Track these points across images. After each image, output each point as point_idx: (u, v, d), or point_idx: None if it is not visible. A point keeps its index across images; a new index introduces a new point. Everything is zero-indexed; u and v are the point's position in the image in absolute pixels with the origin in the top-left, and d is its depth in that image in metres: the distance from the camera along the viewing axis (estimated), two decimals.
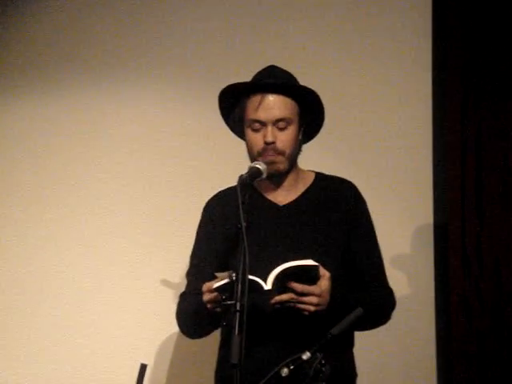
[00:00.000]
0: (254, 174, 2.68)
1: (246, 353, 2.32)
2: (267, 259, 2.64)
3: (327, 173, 2.95)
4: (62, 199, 3.83)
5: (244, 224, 2.47)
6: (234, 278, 2.43)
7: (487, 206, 3.68)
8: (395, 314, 2.87)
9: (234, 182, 2.65)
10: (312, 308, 2.61)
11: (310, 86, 2.80)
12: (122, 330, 3.72)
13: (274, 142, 2.74)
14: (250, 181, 2.65)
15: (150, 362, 3.44)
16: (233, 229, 2.65)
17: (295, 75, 2.87)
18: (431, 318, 3.68)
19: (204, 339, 2.87)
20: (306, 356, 2.42)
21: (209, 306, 2.63)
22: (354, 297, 2.74)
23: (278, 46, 3.82)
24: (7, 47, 3.93)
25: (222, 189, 2.95)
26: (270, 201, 2.86)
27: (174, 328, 2.93)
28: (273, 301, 2.58)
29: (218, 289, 2.56)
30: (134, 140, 3.84)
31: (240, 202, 2.52)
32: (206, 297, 2.63)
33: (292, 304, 2.60)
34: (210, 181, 3.44)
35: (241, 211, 2.50)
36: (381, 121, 3.77)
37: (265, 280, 2.54)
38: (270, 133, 2.74)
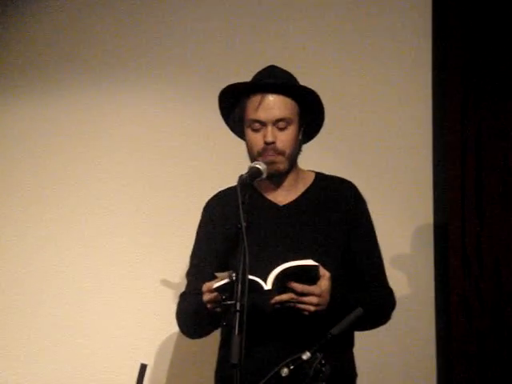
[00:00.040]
0: (254, 173, 2.68)
1: (246, 353, 2.32)
2: (267, 259, 2.64)
3: (327, 173, 2.94)
4: (62, 199, 3.83)
5: (244, 224, 2.47)
6: (234, 277, 2.43)
7: (487, 205, 3.68)
8: (395, 313, 2.87)
9: (233, 182, 2.65)
10: (312, 308, 2.60)
11: (310, 86, 2.81)
12: (122, 330, 3.72)
13: (274, 142, 2.74)
14: (249, 181, 2.65)
15: (149, 362, 3.44)
16: (233, 229, 2.65)
17: (295, 75, 2.87)
18: (431, 318, 3.68)
19: (204, 339, 2.87)
20: (306, 356, 2.41)
21: (209, 306, 2.63)
22: (354, 297, 2.74)
23: (278, 45, 3.82)
24: (7, 47, 3.94)
25: (222, 189, 2.94)
26: (269, 201, 2.86)
27: (174, 328, 2.93)
28: (273, 301, 2.58)
29: (217, 289, 2.56)
30: (133, 140, 3.84)
31: (240, 201, 2.52)
32: (206, 297, 2.63)
33: (292, 304, 2.60)
34: (210, 181, 3.43)
35: (241, 211, 2.50)
36: (381, 121, 3.77)
37: (265, 280, 2.54)
38: (270, 133, 2.74)
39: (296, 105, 2.78)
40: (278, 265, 2.55)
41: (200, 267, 2.87)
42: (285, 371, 2.41)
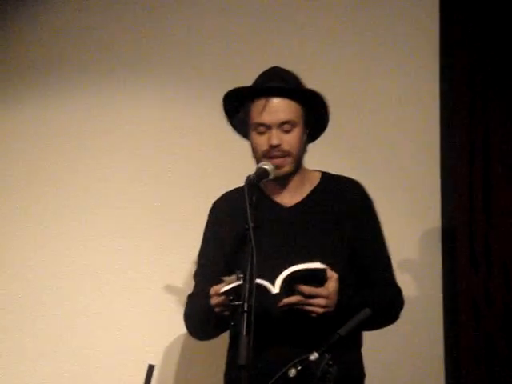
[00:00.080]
0: (261, 174, 2.69)
1: (255, 355, 2.33)
2: (274, 262, 2.62)
3: (333, 173, 2.94)
4: (62, 199, 3.82)
5: (252, 224, 2.47)
6: (241, 276, 2.44)
7: (495, 206, 3.68)
8: (403, 314, 2.86)
9: (240, 183, 2.66)
10: (320, 310, 2.60)
11: (316, 86, 2.81)
12: (129, 331, 3.72)
13: (279, 145, 2.74)
14: (257, 181, 2.65)
15: (157, 363, 3.44)
16: (240, 230, 2.64)
17: (300, 75, 2.86)
18: (439, 319, 3.66)
19: (212, 340, 2.88)
20: (313, 357, 2.42)
21: (216, 309, 2.63)
22: (362, 297, 2.73)
23: (280, 45, 3.80)
24: (7, 48, 3.93)
25: (229, 190, 2.94)
26: (276, 202, 2.85)
27: (182, 328, 2.93)
28: (281, 303, 2.57)
29: (225, 293, 2.56)
30: (134, 140, 3.83)
31: (247, 202, 2.52)
32: (214, 300, 2.63)
33: (300, 306, 2.60)
34: (215, 181, 3.44)
35: (248, 212, 2.50)
36: (388, 122, 3.76)
37: (272, 283, 2.54)
38: (275, 136, 2.74)
39: (300, 107, 2.78)
40: (286, 267, 2.55)
41: (207, 268, 2.87)
42: (292, 372, 2.41)
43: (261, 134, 2.77)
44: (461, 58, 3.74)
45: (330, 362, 2.40)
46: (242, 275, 2.46)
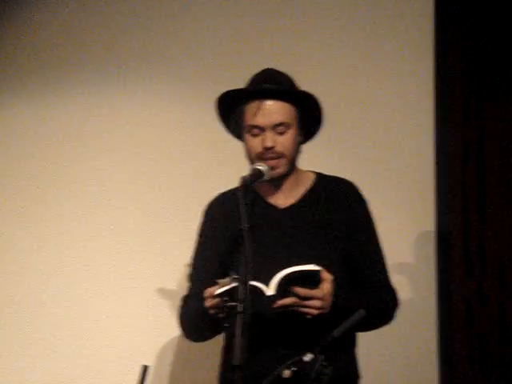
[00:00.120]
0: (256, 175, 2.69)
1: (250, 356, 2.33)
2: (269, 263, 2.62)
3: (327, 174, 2.94)
4: (62, 199, 3.83)
5: (246, 225, 2.47)
6: (235, 278, 2.44)
7: (489, 208, 3.68)
8: (397, 315, 2.86)
9: (235, 183, 2.66)
10: (315, 311, 2.60)
11: (310, 87, 2.80)
12: (123, 331, 3.72)
13: (273, 147, 2.74)
14: (251, 182, 2.64)
15: (151, 364, 3.45)
16: (234, 230, 2.65)
17: (295, 76, 2.85)
18: (433, 320, 3.66)
19: (206, 341, 2.87)
20: (307, 357, 2.41)
21: (211, 311, 2.63)
22: (357, 298, 2.73)
23: (278, 45, 3.81)
24: (7, 48, 3.94)
25: (223, 191, 2.94)
26: (270, 204, 2.85)
27: (177, 329, 2.93)
28: (276, 305, 2.57)
29: (220, 295, 2.56)
30: (134, 140, 3.84)
31: (242, 203, 2.52)
32: (208, 303, 2.63)
33: (295, 308, 2.60)
34: (211, 182, 3.43)
35: (243, 212, 2.50)
36: (382, 124, 3.75)
37: (267, 285, 2.54)
38: (269, 138, 2.74)
39: (294, 108, 2.78)
40: (280, 269, 2.55)
41: (202, 270, 2.86)
42: (287, 373, 2.41)
43: (255, 136, 2.76)
44: (455, 58, 3.74)
45: (325, 363, 2.40)
46: (236, 276, 2.46)
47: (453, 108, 3.72)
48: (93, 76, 3.89)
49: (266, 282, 2.54)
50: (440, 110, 3.74)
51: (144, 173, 3.81)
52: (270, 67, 2.85)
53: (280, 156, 2.76)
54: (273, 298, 2.54)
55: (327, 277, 2.62)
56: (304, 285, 2.59)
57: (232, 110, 2.81)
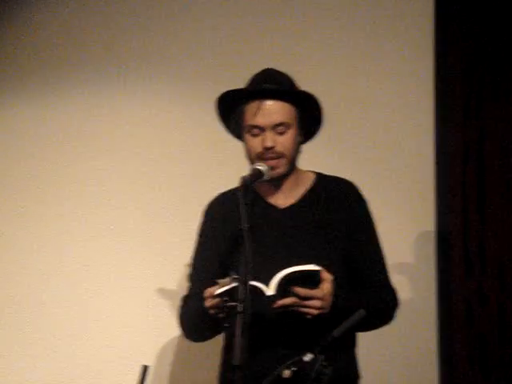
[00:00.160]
0: (256, 175, 2.69)
1: (250, 357, 2.33)
2: (269, 263, 2.62)
3: (327, 173, 2.94)
4: (63, 199, 3.83)
5: (246, 225, 2.47)
6: (235, 277, 2.44)
7: (489, 208, 3.67)
8: (397, 315, 2.86)
9: (235, 184, 2.66)
10: (315, 311, 2.60)
11: (310, 87, 2.80)
12: (123, 331, 3.72)
13: (273, 147, 2.74)
14: (251, 182, 2.64)
15: (151, 364, 3.45)
16: (234, 230, 2.65)
17: (295, 76, 2.85)
18: (433, 320, 3.66)
19: (207, 341, 2.87)
20: (307, 357, 2.41)
21: (211, 311, 2.63)
22: (357, 298, 2.73)
23: (279, 45, 3.81)
24: (7, 48, 3.94)
25: (223, 191, 2.94)
26: (270, 204, 2.85)
27: (176, 329, 2.93)
28: (276, 305, 2.57)
29: (220, 295, 2.56)
30: (134, 140, 3.84)
31: (243, 202, 2.52)
32: (208, 303, 2.63)
33: (295, 308, 2.59)
34: (212, 182, 3.43)
35: (243, 212, 2.50)
36: (382, 124, 3.75)
37: (267, 285, 2.54)
38: (269, 138, 2.74)
39: (294, 108, 2.78)
40: (280, 269, 2.55)
41: (202, 270, 2.86)
42: (287, 373, 2.41)
43: (255, 136, 2.76)
44: (456, 58, 3.73)
45: (325, 363, 2.40)
46: (236, 276, 2.46)
47: (453, 108, 3.72)
48: (93, 76, 3.89)
49: (266, 282, 2.55)
50: (440, 110, 3.74)
51: (144, 173, 3.81)
52: (269, 67, 2.85)
53: (280, 156, 2.76)
54: (273, 298, 2.55)
55: (327, 277, 2.62)
56: (304, 285, 2.59)
57: (232, 110, 2.81)
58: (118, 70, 3.88)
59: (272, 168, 2.74)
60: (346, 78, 3.80)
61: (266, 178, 2.72)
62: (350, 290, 2.77)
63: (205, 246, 2.89)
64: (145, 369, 2.52)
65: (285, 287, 2.56)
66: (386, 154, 3.75)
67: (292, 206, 2.84)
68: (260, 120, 2.74)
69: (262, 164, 2.72)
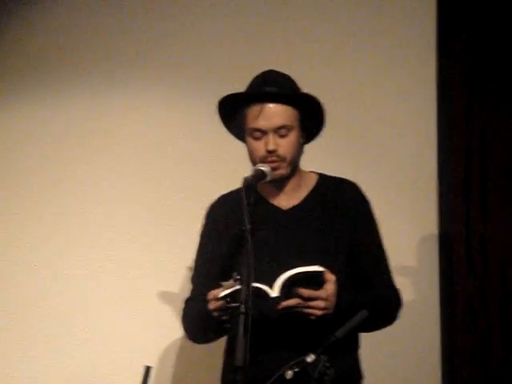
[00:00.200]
0: (258, 175, 2.69)
1: (253, 359, 2.33)
2: (272, 265, 2.64)
3: (330, 174, 2.94)
4: (63, 200, 3.82)
5: (249, 226, 2.47)
6: (238, 278, 2.44)
7: (492, 208, 3.68)
8: (400, 317, 2.86)
9: (238, 184, 2.65)
10: (319, 312, 2.61)
11: (312, 86, 2.81)
12: (126, 332, 3.72)
13: (275, 150, 2.74)
14: (254, 183, 2.64)
15: (154, 365, 3.44)
16: (237, 232, 2.64)
17: (296, 76, 2.85)
18: (436, 320, 3.67)
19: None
20: (310, 358, 2.42)
21: (215, 314, 2.63)
22: (360, 299, 2.73)
23: (280, 45, 3.81)
24: (8, 48, 3.93)
25: (225, 192, 2.94)
26: (273, 205, 2.85)
27: (179, 331, 2.93)
28: (280, 306, 2.57)
29: (224, 297, 2.56)
30: (135, 141, 3.83)
31: (245, 203, 2.52)
32: (212, 305, 2.63)
33: (299, 309, 2.60)
34: (214, 183, 3.42)
35: (245, 213, 2.50)
36: (385, 124, 3.75)
37: (271, 287, 2.54)
38: (272, 141, 2.73)
39: (296, 111, 2.77)
40: (283, 271, 2.56)
41: (205, 272, 2.86)
42: (289, 374, 2.41)
43: (257, 139, 2.76)
44: (458, 59, 3.73)
45: (327, 364, 2.41)
46: (239, 277, 2.46)
47: (455, 110, 3.72)
48: (93, 76, 3.88)
49: (270, 284, 2.55)
50: (443, 112, 3.74)
51: (144, 173, 3.81)
52: (270, 69, 2.84)
53: (282, 159, 2.75)
54: (277, 300, 2.55)
55: (331, 278, 2.62)
56: (308, 286, 2.59)
57: (233, 113, 2.81)
58: (118, 70, 3.88)
59: (274, 169, 2.73)
60: (347, 77, 3.80)
61: (268, 178, 2.72)
62: (353, 291, 2.77)
63: (207, 248, 2.89)
64: (147, 370, 2.52)
65: (289, 289, 2.57)
66: (388, 155, 3.75)
67: (295, 207, 2.83)
68: (262, 123, 2.74)
69: (265, 165, 2.72)
